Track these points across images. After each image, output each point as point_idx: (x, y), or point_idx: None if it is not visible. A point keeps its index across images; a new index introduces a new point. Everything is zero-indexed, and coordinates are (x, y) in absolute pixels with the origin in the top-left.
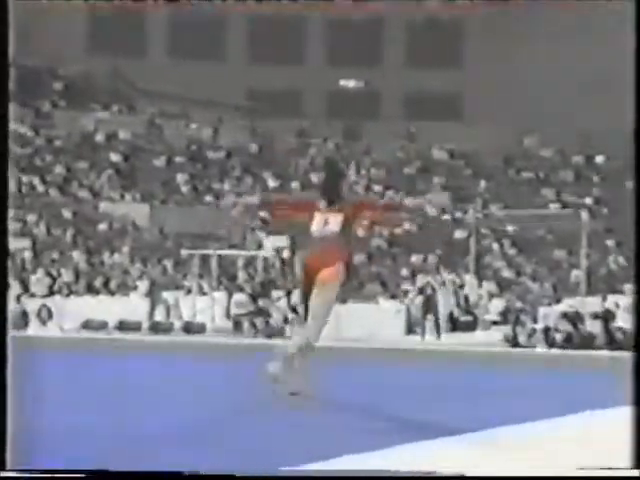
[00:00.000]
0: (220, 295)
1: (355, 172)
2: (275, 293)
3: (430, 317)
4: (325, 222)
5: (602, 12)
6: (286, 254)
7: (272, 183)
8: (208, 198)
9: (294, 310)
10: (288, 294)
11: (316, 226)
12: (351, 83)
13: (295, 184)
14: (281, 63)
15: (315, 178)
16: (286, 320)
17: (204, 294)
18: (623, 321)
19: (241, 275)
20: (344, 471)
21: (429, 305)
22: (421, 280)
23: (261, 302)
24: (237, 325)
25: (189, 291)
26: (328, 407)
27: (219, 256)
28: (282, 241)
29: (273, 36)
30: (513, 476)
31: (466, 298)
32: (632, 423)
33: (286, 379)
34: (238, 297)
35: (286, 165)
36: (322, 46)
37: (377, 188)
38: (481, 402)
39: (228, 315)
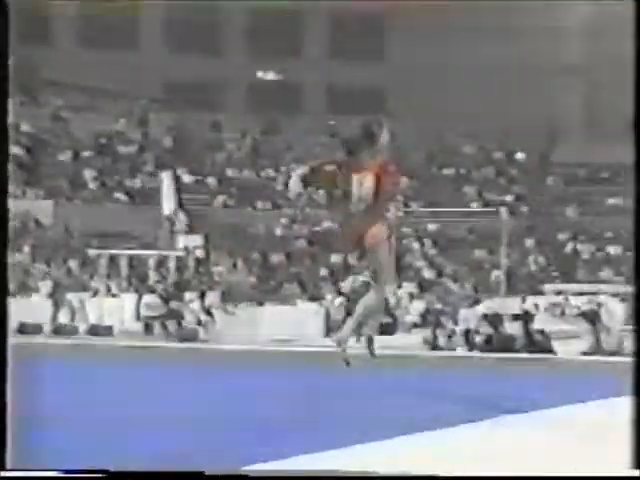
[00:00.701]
0: (130, 297)
1: (274, 169)
2: (188, 295)
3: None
4: (360, 183)
5: (524, 12)
6: (200, 253)
7: (187, 179)
8: (118, 195)
9: (208, 312)
10: (202, 296)
11: (355, 188)
12: (270, 75)
13: (212, 180)
14: (198, 54)
15: (232, 173)
16: (199, 323)
17: (113, 296)
18: (542, 323)
19: (152, 276)
20: (306, 471)
21: (353, 307)
22: (350, 281)
23: (173, 304)
24: (147, 328)
25: (96, 292)
26: (244, 410)
27: (129, 256)
28: (196, 240)
29: (190, 26)
30: (513, 476)
31: (386, 300)
32: (632, 423)
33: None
34: (149, 299)
35: (202, 160)
36: (241, 37)
37: None
38: (397, 404)
39: (138, 317)
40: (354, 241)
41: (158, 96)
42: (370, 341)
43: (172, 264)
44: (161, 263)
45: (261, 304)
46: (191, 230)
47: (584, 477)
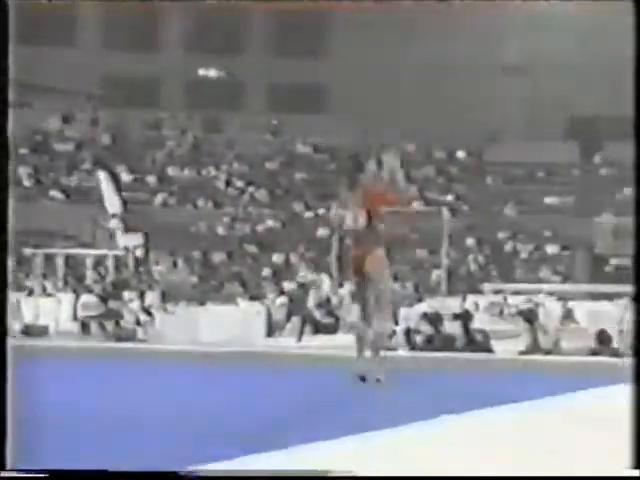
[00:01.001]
0: (66, 296)
1: (215, 167)
2: (127, 294)
3: (293, 319)
4: (356, 218)
5: (465, 10)
6: (140, 252)
7: (126, 177)
8: (54, 192)
9: (147, 312)
10: (141, 295)
11: (351, 222)
12: (212, 72)
13: (151, 178)
14: (137, 50)
15: (172, 172)
16: (138, 322)
17: (49, 295)
18: (482, 322)
19: (90, 275)
20: (250, 471)
21: (295, 306)
22: (298, 279)
23: (112, 303)
24: (84, 328)
25: (31, 292)
26: (188, 412)
27: (66, 255)
28: (136, 239)
29: (128, 21)
30: (513, 476)
31: (328, 299)
32: (632, 424)
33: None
34: (86, 298)
35: (141, 158)
36: (181, 33)
37: (239, 183)
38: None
39: (75, 317)
40: (354, 271)
41: (96, 92)
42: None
43: (111, 263)
44: (99, 262)
45: (202, 304)
46: (130, 229)
47: (584, 477)
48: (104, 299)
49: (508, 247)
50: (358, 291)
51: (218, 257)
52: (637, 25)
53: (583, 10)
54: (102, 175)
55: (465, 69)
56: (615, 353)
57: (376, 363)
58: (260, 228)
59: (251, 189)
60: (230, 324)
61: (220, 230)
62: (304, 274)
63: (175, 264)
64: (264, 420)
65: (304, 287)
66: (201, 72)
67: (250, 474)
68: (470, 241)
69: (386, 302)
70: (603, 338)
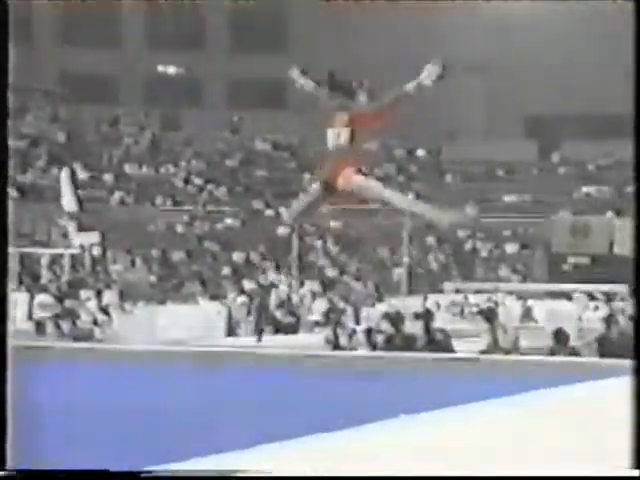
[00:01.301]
0: (21, 296)
1: (174, 165)
2: (84, 293)
3: (253, 318)
4: (337, 136)
5: (430, 9)
6: (96, 251)
7: (82, 175)
8: (8, 190)
9: (105, 312)
10: (98, 294)
11: (333, 139)
12: (171, 69)
13: (108, 176)
14: (94, 45)
15: (130, 170)
16: (95, 322)
17: None
18: (443, 321)
19: (45, 274)
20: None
21: (255, 306)
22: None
23: (68, 303)
24: (39, 327)
25: None
26: (144, 412)
27: (20, 254)
28: (92, 237)
29: (86, 17)
30: (513, 476)
31: (289, 298)
32: (632, 424)
33: None
34: (42, 298)
35: (98, 156)
36: (140, 29)
37: (198, 181)
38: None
39: (31, 317)
40: (325, 187)
41: (51, 89)
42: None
43: (66, 262)
44: (55, 261)
45: (161, 303)
46: (87, 227)
47: (584, 477)
48: (60, 298)
49: (468, 246)
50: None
51: (177, 256)
52: (637, 25)
53: (542, 10)
54: (65, 172)
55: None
56: (573, 352)
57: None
58: (220, 226)
59: (210, 187)
60: (190, 324)
61: (179, 228)
62: (266, 274)
63: (133, 263)
64: (210, 419)
65: (265, 286)
66: (160, 69)
67: (250, 474)
68: (430, 240)
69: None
70: (560, 337)
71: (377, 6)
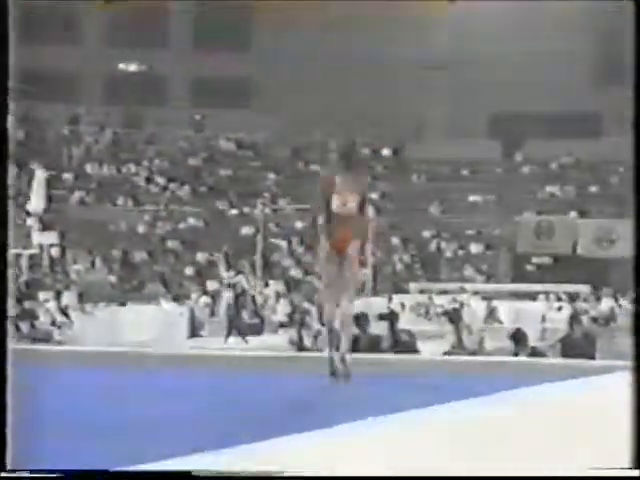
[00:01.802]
0: None
1: (135, 164)
2: (43, 294)
3: (217, 319)
4: (343, 203)
5: (394, 9)
6: (55, 251)
7: (41, 174)
8: None
9: (64, 313)
10: (58, 295)
11: (340, 203)
12: (132, 67)
13: (68, 175)
14: (55, 43)
15: (90, 169)
16: (54, 323)
17: None
18: (408, 322)
19: None
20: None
21: (219, 307)
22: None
23: (26, 304)
24: None
25: None
26: (96, 414)
27: None
28: (51, 237)
29: (47, 14)
30: (513, 476)
31: (253, 299)
32: (632, 424)
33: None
34: None
35: (58, 155)
36: (101, 26)
37: (160, 180)
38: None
39: None
40: (335, 252)
41: (11, 86)
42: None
43: (25, 262)
44: (13, 262)
45: (122, 304)
46: (46, 227)
47: (584, 477)
48: (18, 299)
49: (433, 246)
50: (336, 273)
51: (139, 256)
52: (637, 25)
53: (505, 8)
54: (39, 172)
55: (389, 67)
56: (534, 353)
57: (344, 351)
58: (182, 226)
59: (173, 186)
60: (152, 325)
61: (141, 228)
62: (229, 274)
63: (93, 263)
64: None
65: (229, 287)
66: (121, 66)
67: (251, 474)
68: (395, 240)
69: (355, 285)
70: (519, 337)
71: (344, 4)
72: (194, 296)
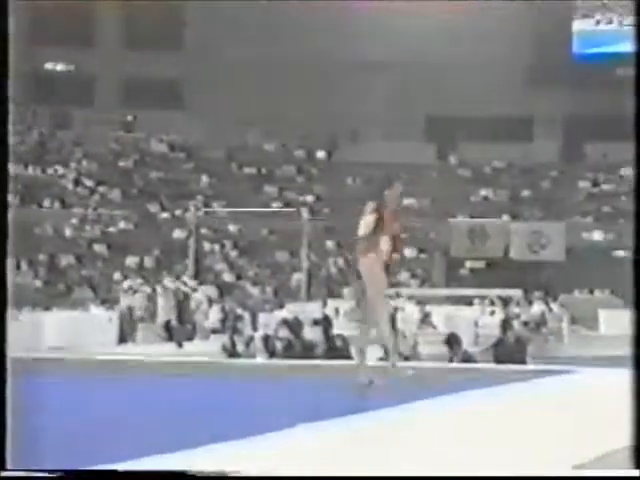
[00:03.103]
0: None
1: (63, 166)
2: None
3: (145, 325)
4: (367, 225)
5: (329, 9)
6: None
7: None
8: None
9: None
10: None
11: (362, 229)
12: (59, 66)
13: None
14: None
15: (15, 170)
16: None
17: None
18: (341, 327)
19: None
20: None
21: (151, 312)
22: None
23: None
24: None
25: None
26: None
27: None
28: None
29: None
30: (513, 476)
31: (185, 304)
32: (632, 424)
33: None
34: None
35: None
36: (27, 24)
37: (88, 183)
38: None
39: None
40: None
41: None
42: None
43: None
44: None
45: (48, 309)
46: None
47: (584, 477)
48: None
49: None
50: (361, 297)
51: (65, 260)
52: (637, 25)
53: (440, 11)
54: None
55: (324, 67)
56: (467, 358)
57: (364, 367)
58: (112, 230)
59: (102, 189)
60: (79, 330)
61: (68, 232)
62: (168, 279)
63: (18, 267)
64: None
65: (166, 292)
66: (48, 66)
67: (253, 475)
68: (330, 244)
69: (381, 307)
70: (453, 342)
71: (282, 4)
72: (124, 301)
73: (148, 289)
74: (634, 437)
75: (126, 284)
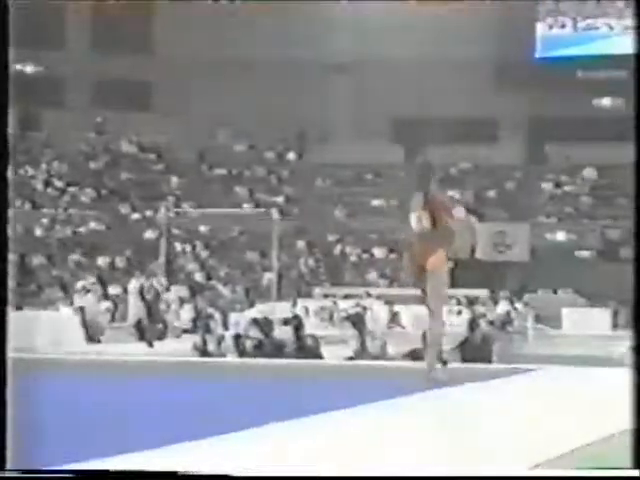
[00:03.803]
0: None
1: (32, 166)
2: None
3: (118, 325)
4: (420, 219)
5: (295, 10)
6: None
7: None
8: None
9: None
10: None
11: (415, 223)
12: (29, 67)
13: None
14: None
15: None
16: None
17: None
18: (312, 327)
19: None
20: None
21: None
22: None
23: None
24: None
25: None
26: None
27: None
28: None
29: None
30: (513, 476)
31: (156, 304)
32: (632, 422)
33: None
34: None
35: None
36: None
37: (58, 184)
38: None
39: None
40: (416, 269)
41: None
42: (445, 363)
43: None
44: None
45: (18, 309)
46: None
47: (584, 477)
48: None
49: (337, 250)
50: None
51: (36, 260)
52: (637, 25)
53: (408, 11)
54: None
55: (292, 68)
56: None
57: (433, 362)
58: (83, 230)
59: (73, 189)
60: (47, 330)
61: (38, 232)
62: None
63: None
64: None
65: (140, 292)
66: (18, 67)
67: (253, 475)
68: (300, 244)
69: (441, 301)
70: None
71: (247, 6)
72: (93, 300)
73: (100, 289)
74: (634, 437)
75: (79, 284)
